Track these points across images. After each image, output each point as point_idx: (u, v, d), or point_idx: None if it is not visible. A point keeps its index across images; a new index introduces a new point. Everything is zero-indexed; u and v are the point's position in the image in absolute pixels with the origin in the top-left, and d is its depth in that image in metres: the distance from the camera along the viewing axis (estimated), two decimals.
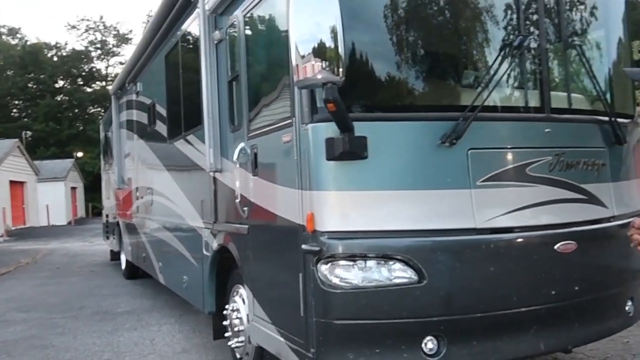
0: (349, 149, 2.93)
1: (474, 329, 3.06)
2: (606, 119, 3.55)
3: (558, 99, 3.47)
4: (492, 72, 3.25)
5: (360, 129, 2.93)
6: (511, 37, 3.32)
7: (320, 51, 2.72)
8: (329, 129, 2.95)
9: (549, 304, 3.17)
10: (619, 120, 3.61)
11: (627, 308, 3.57)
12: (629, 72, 2.49)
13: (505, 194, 3.18)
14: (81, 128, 47.69)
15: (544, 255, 3.17)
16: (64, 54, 51.30)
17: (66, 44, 63.15)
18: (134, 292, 8.62)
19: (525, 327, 3.14)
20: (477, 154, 3.12)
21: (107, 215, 12.22)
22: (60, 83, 50.36)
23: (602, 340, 4.12)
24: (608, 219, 3.48)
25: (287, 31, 3.08)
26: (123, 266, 10.23)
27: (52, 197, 33.26)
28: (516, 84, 3.40)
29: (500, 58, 3.26)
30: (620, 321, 3.55)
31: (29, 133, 40.17)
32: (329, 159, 2.96)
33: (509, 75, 3.33)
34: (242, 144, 3.91)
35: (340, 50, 2.72)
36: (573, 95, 3.56)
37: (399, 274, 2.95)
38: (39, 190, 32.11)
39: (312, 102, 3.05)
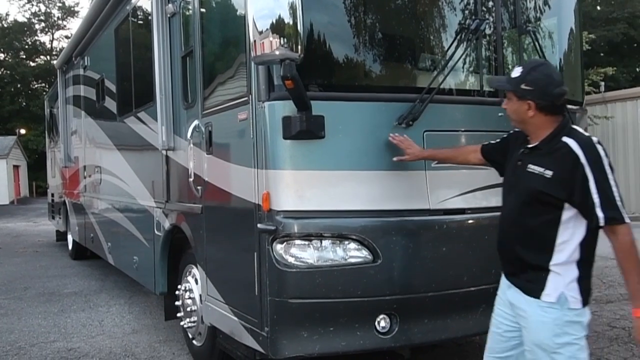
0: (306, 128, 2.91)
1: (425, 308, 3.13)
2: None
3: None
4: (448, 55, 3.28)
5: (318, 108, 2.91)
6: (468, 21, 3.35)
7: (278, 27, 2.67)
8: (286, 107, 2.92)
9: (498, 284, 3.27)
10: (569, 107, 3.72)
11: None
12: (489, 80, 2.80)
13: (458, 176, 3.25)
14: (24, 104, 45.43)
15: (493, 236, 3.24)
16: (5, 25, 48.49)
17: (7, 14, 59.82)
18: (82, 273, 8.38)
19: (475, 306, 3.23)
20: (432, 136, 3.17)
21: (52, 195, 11.79)
22: (1, 56, 47.72)
23: None
24: None
25: (244, 6, 3.01)
26: (70, 247, 9.93)
27: None
28: (472, 68, 3.46)
29: (456, 42, 3.30)
30: None
31: None
32: (285, 137, 2.93)
33: (465, 59, 3.38)
34: (196, 122, 3.81)
35: (299, 26, 2.68)
36: None
37: (354, 253, 2.97)
38: None
39: (269, 79, 3.00)
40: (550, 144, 2.25)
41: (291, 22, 2.66)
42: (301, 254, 2.93)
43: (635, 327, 2.16)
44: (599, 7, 31.77)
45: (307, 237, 2.94)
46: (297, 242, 2.94)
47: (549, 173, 2.20)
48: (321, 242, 2.95)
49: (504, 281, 2.47)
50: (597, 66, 16.63)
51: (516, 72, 2.31)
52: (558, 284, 2.22)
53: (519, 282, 2.34)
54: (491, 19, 3.42)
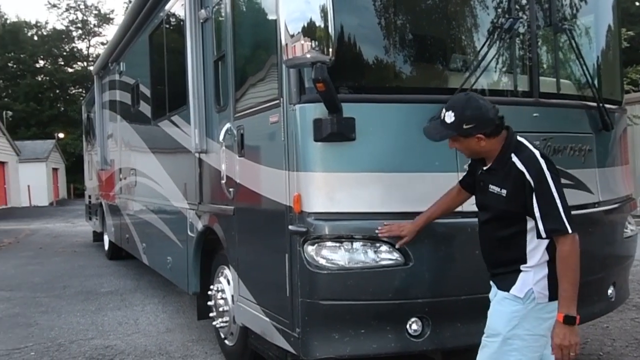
0: (336, 130, 2.91)
1: (458, 311, 3.09)
2: (594, 104, 3.57)
3: (547, 83, 3.47)
4: (481, 55, 3.24)
5: (349, 110, 2.91)
6: (501, 20, 3.30)
7: (310, 30, 2.68)
8: (317, 110, 2.93)
9: None
10: (607, 106, 3.63)
11: (609, 293, 3.63)
12: (427, 132, 2.64)
13: None
14: (62, 109, 46.95)
15: None
16: (45, 33, 50.25)
17: (47, 23, 61.84)
18: (117, 273, 8.57)
19: None
20: None
21: (89, 197, 12.10)
22: (41, 63, 49.35)
23: (582, 325, 4.19)
24: (593, 205, 3.52)
25: (276, 10, 3.03)
26: (106, 247, 10.17)
27: (34, 178, 32.84)
28: (505, 68, 3.40)
29: (490, 41, 3.25)
30: (602, 306, 3.61)
31: (10, 113, 39.42)
32: (316, 140, 2.94)
33: (498, 58, 3.33)
34: (228, 125, 3.86)
35: (331, 29, 2.68)
36: (562, 80, 3.57)
37: (385, 255, 2.95)
38: (20, 171, 31.64)
39: (300, 82, 3.02)
40: (502, 163, 2.42)
41: (322, 25, 2.67)
42: (332, 256, 2.93)
43: (555, 332, 2.29)
44: (637, 3, 30.80)
45: (338, 239, 2.94)
46: (328, 243, 2.94)
47: (504, 192, 2.40)
48: (352, 244, 2.94)
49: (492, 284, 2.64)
50: (637, 64, 16.13)
51: (449, 116, 2.41)
52: (527, 280, 2.38)
53: (496, 280, 2.55)
54: (525, 17, 3.36)
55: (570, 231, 2.27)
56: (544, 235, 2.30)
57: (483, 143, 2.42)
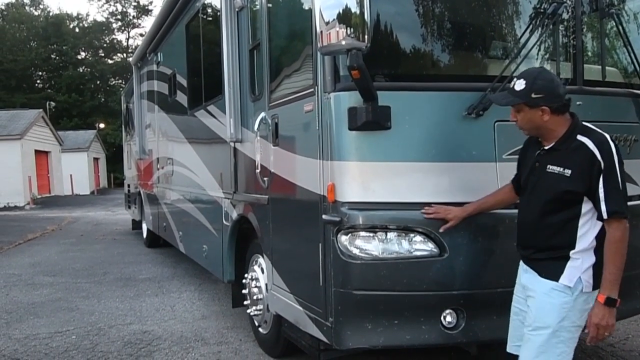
0: (371, 119, 2.88)
1: (494, 304, 3.03)
2: None
3: (591, 71, 3.35)
4: (522, 41, 3.14)
5: (384, 98, 2.87)
6: (544, 5, 3.19)
7: (345, 17, 2.64)
8: (352, 98, 2.90)
9: None
10: None
11: None
12: (495, 98, 2.68)
13: None
14: (103, 100, 48.24)
15: None
16: (86, 25, 51.64)
17: (87, 15, 63.57)
18: (155, 260, 8.76)
19: None
20: (504, 127, 3.04)
21: (128, 186, 12.38)
22: (82, 54, 50.79)
23: (623, 321, 4.07)
24: (639, 197, 3.38)
25: None
26: (144, 235, 10.39)
27: (76, 167, 33.82)
28: (547, 55, 3.29)
29: (531, 27, 3.15)
30: None
31: (53, 104, 40.70)
32: (351, 128, 2.92)
33: (540, 45, 3.22)
34: (262, 114, 3.87)
35: (366, 16, 2.64)
36: (608, 67, 3.43)
37: (420, 246, 2.92)
38: (63, 160, 32.62)
39: (335, 70, 2.99)
40: (567, 143, 2.41)
41: (358, 12, 2.63)
42: (366, 246, 2.91)
43: (594, 312, 2.34)
44: None
45: (372, 229, 2.92)
46: (362, 233, 2.92)
47: (568, 172, 2.37)
48: (386, 234, 2.92)
49: (520, 267, 2.63)
50: None
51: (520, 84, 2.40)
52: (576, 269, 2.39)
53: (538, 266, 2.49)
54: (570, 2, 3.23)
55: (626, 215, 2.32)
56: (605, 216, 2.31)
57: (546, 117, 2.39)
